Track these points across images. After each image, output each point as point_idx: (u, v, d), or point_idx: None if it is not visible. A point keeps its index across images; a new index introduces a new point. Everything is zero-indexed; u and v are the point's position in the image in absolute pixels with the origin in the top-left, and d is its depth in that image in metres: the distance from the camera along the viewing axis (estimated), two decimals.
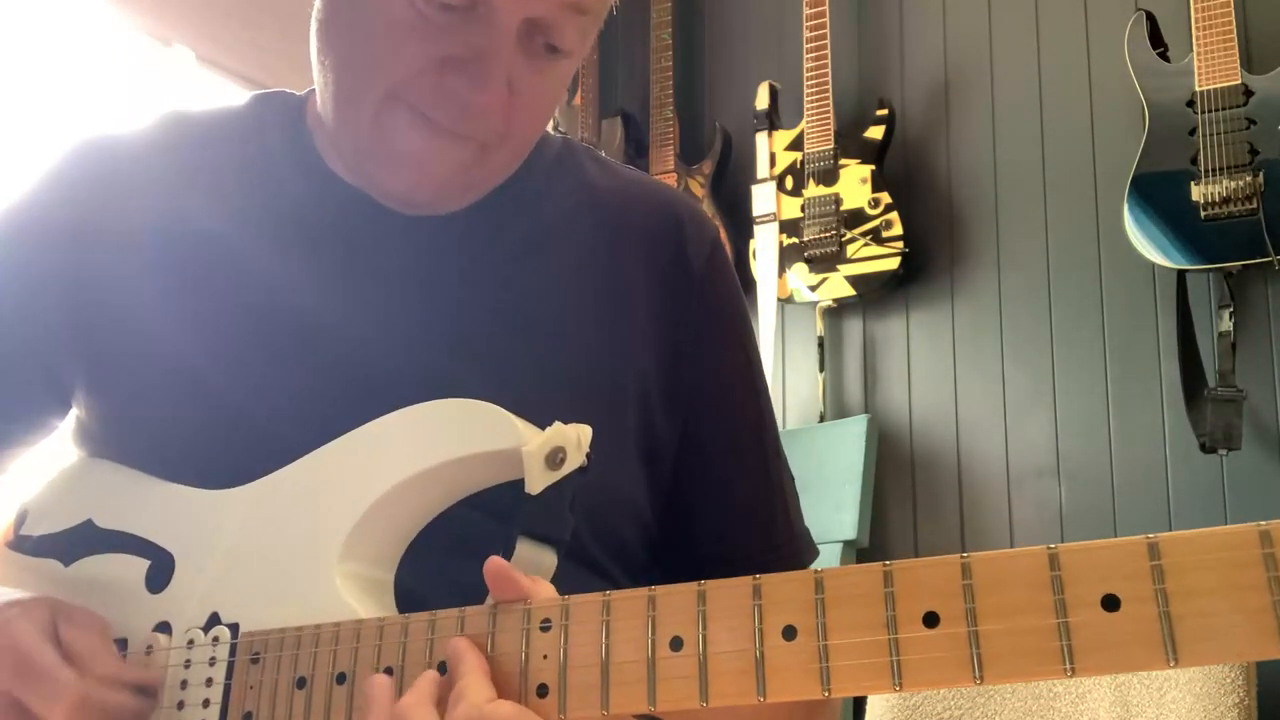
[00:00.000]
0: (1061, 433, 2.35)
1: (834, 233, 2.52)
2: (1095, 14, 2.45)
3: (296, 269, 0.83)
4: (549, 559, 0.68)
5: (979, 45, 2.59)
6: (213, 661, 0.70)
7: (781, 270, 2.58)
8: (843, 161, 2.56)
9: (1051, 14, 2.51)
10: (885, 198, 2.49)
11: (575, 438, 0.67)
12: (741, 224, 2.68)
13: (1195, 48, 2.17)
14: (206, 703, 0.69)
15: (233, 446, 0.78)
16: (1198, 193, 2.12)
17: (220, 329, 0.81)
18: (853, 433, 2.46)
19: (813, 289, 2.54)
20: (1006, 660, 0.47)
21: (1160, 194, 2.18)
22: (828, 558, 2.32)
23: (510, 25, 0.73)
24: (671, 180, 2.81)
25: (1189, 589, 0.45)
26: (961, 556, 0.49)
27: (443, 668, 0.61)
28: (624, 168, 0.95)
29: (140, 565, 0.76)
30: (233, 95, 0.94)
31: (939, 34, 2.65)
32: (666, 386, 0.85)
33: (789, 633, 0.52)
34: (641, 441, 0.84)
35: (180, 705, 0.70)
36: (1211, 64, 2.15)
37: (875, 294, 2.52)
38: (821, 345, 2.60)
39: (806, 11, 2.62)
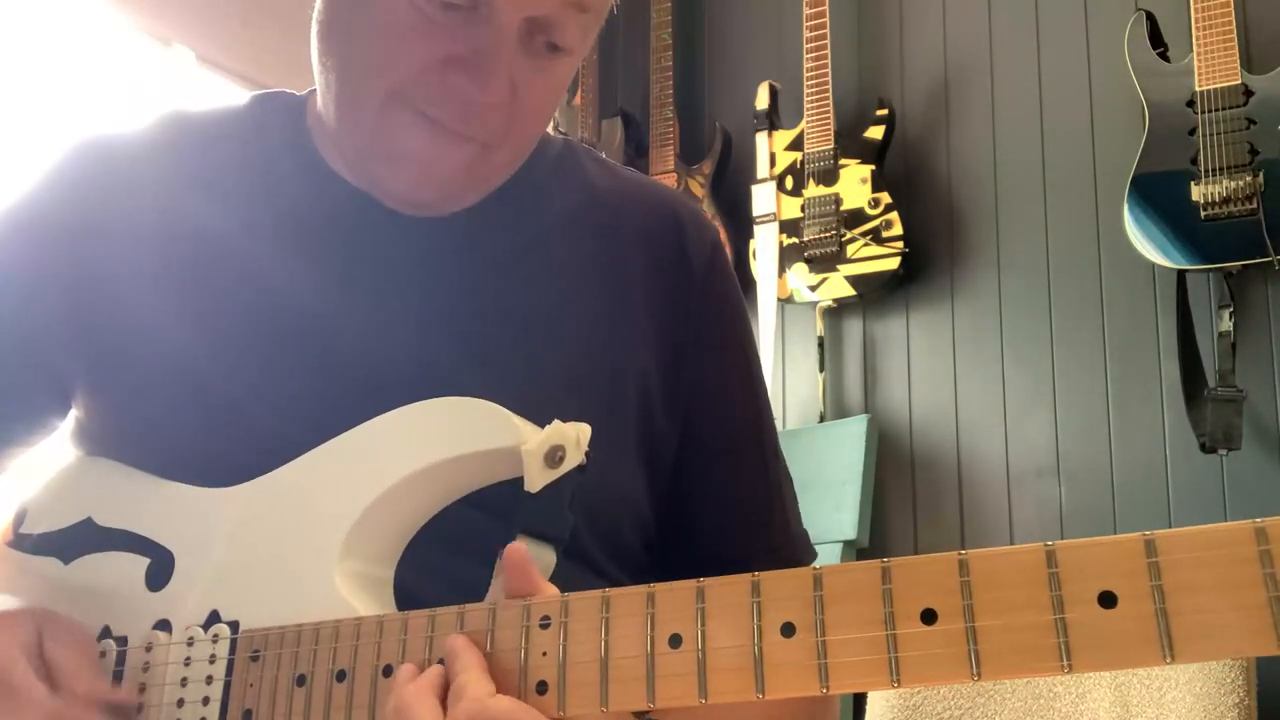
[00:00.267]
0: (1061, 433, 2.35)
1: (834, 233, 2.52)
2: (1095, 14, 2.45)
3: (296, 268, 0.83)
4: (548, 557, 0.68)
5: (979, 45, 2.59)
6: (213, 659, 0.70)
7: (781, 270, 2.58)
8: (843, 161, 2.56)
9: (1051, 14, 2.51)
10: (885, 198, 2.49)
11: (574, 436, 0.67)
12: (741, 224, 2.68)
13: (1195, 48, 2.18)
14: (207, 700, 0.69)
15: (232, 445, 0.78)
16: (1198, 193, 2.12)
17: (220, 328, 0.81)
18: (853, 433, 2.46)
19: (813, 289, 2.54)
20: (1004, 657, 0.47)
21: (1160, 194, 2.18)
22: (828, 558, 2.32)
23: (512, 24, 0.74)
24: (671, 180, 2.81)
25: (1185, 586, 0.45)
26: (959, 554, 0.49)
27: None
28: (624, 169, 0.95)
29: (140, 563, 0.76)
30: (233, 95, 0.94)
31: (939, 34, 2.65)
32: (666, 387, 0.86)
33: (787, 630, 0.52)
34: (641, 441, 0.84)
35: (180, 703, 0.70)
36: (1211, 64, 2.15)
37: (875, 294, 2.52)
38: (821, 345, 2.61)
39: (806, 11, 2.62)
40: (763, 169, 2.66)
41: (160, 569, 0.75)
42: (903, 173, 2.60)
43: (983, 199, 2.52)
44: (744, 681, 0.52)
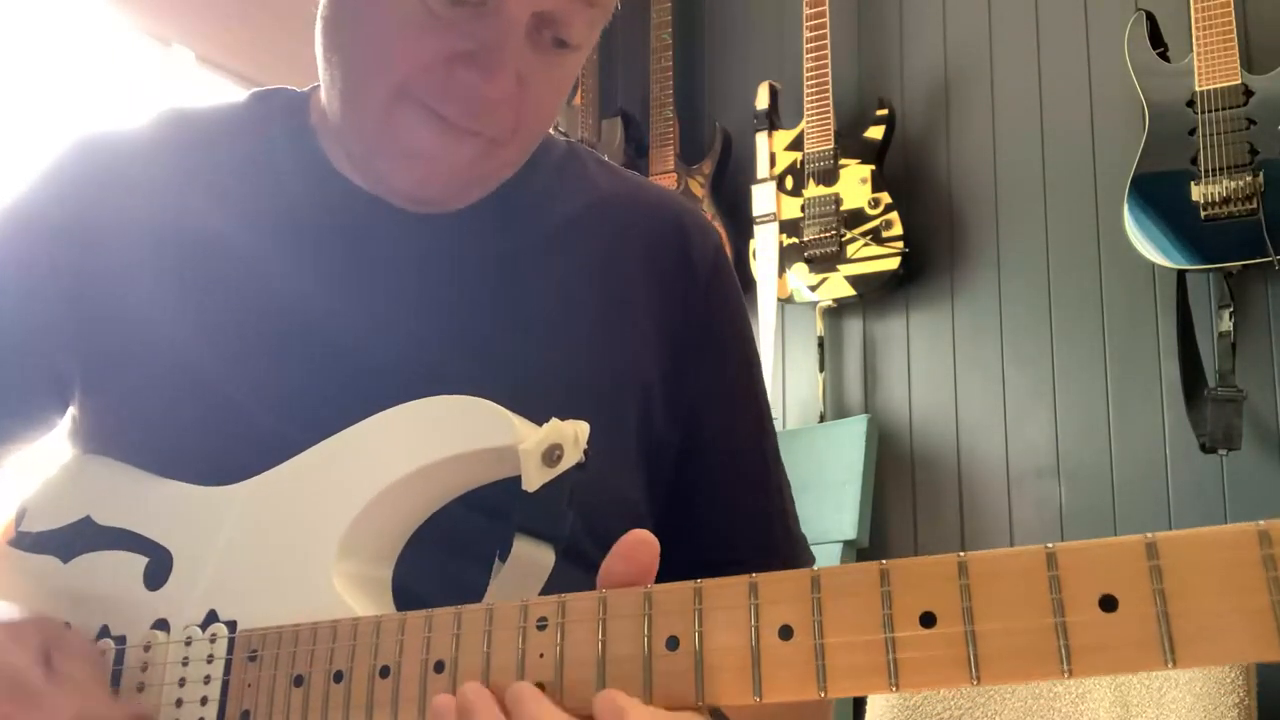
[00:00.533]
0: (1061, 433, 2.35)
1: (834, 233, 2.51)
2: (1095, 14, 2.45)
3: (296, 265, 0.82)
4: (547, 556, 0.68)
5: (979, 45, 2.59)
6: (210, 659, 0.69)
7: (781, 270, 2.58)
8: (843, 161, 2.56)
9: (1051, 14, 2.51)
10: (885, 198, 2.49)
11: (572, 434, 0.67)
12: (741, 224, 2.68)
13: (1195, 48, 2.17)
14: (204, 700, 0.69)
15: (231, 443, 0.78)
16: (1198, 193, 2.12)
17: (219, 326, 0.81)
18: (853, 433, 2.46)
19: (813, 289, 2.54)
20: (1003, 660, 0.47)
21: (1160, 194, 2.18)
22: (828, 558, 2.32)
23: (520, 19, 0.73)
24: (671, 180, 2.80)
25: (1187, 589, 0.44)
26: (958, 555, 0.49)
27: (439, 666, 0.60)
28: (628, 172, 0.95)
29: (138, 562, 0.76)
30: (233, 95, 0.94)
31: (939, 34, 2.65)
32: (668, 392, 0.86)
33: (785, 632, 0.51)
34: (641, 444, 0.84)
35: (178, 703, 0.70)
36: (1211, 64, 2.15)
37: (875, 294, 2.52)
38: (821, 345, 2.60)
39: (806, 11, 2.62)
40: (763, 169, 2.66)
41: (158, 568, 0.75)
42: (903, 173, 2.60)
43: (983, 199, 2.52)
44: (741, 683, 0.52)
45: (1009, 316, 2.45)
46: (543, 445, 0.66)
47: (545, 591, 0.65)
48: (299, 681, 0.65)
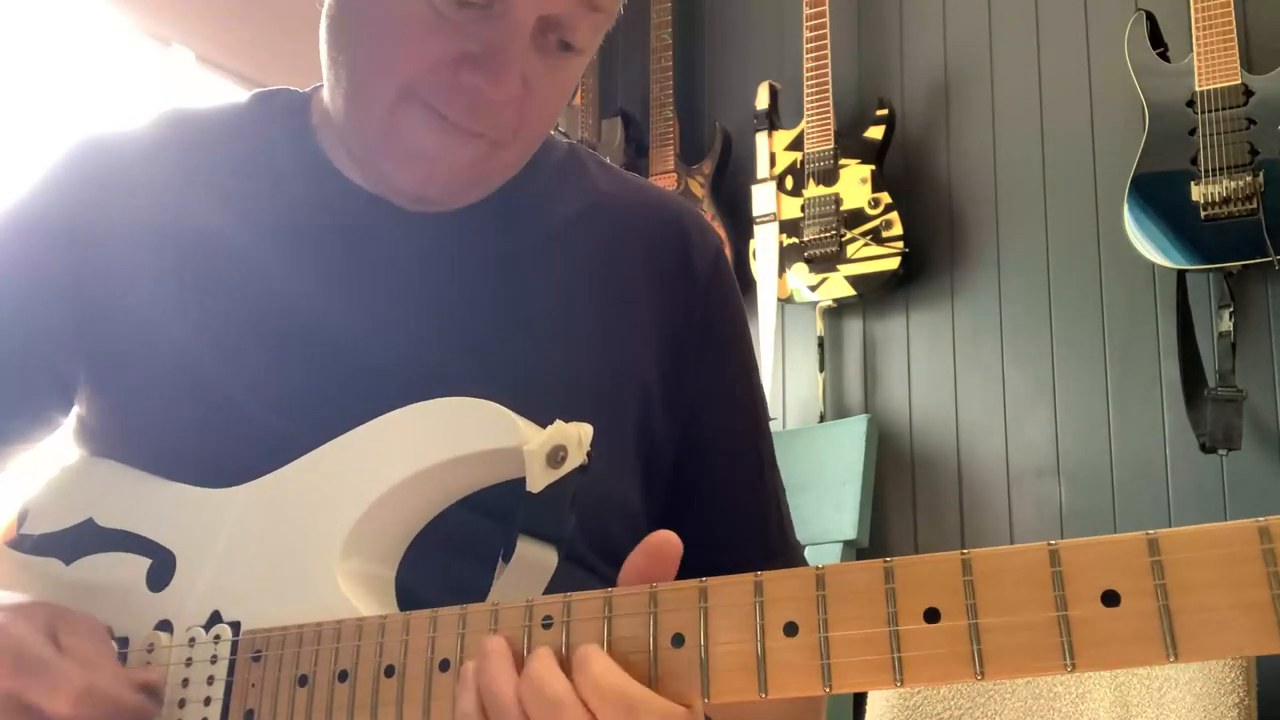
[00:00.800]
0: (1061, 433, 2.35)
1: (834, 233, 2.52)
2: (1095, 14, 2.45)
3: (297, 265, 0.83)
4: (550, 558, 0.68)
5: (979, 45, 2.59)
6: (214, 659, 0.70)
7: (781, 270, 2.58)
8: (843, 161, 2.56)
9: (1051, 14, 2.51)
10: (885, 198, 2.49)
11: (576, 436, 0.67)
12: (741, 224, 2.68)
13: (1195, 48, 2.18)
14: (208, 700, 0.69)
15: (234, 445, 0.78)
16: (1198, 193, 2.12)
17: (221, 326, 0.81)
18: (853, 433, 2.46)
19: (813, 289, 2.54)
20: (1007, 656, 0.47)
21: (1160, 194, 2.18)
22: (828, 557, 2.32)
23: (526, 22, 0.74)
24: (671, 180, 2.81)
25: (1188, 584, 0.45)
26: (962, 552, 0.49)
27: (444, 665, 0.61)
28: (629, 174, 0.96)
29: (141, 564, 0.76)
30: (233, 95, 0.94)
31: (939, 34, 2.65)
32: (666, 394, 0.86)
33: (790, 629, 0.52)
34: (639, 447, 0.84)
35: (182, 703, 0.70)
36: (1211, 64, 2.15)
37: (875, 294, 2.52)
38: (821, 345, 2.61)
39: (806, 11, 2.62)
40: (763, 169, 2.66)
41: (162, 569, 0.75)
42: (903, 173, 2.60)
43: (983, 199, 2.52)
44: (747, 681, 0.52)
45: (1009, 316, 2.45)
46: (547, 447, 0.66)
47: (546, 592, 0.65)
48: (303, 681, 0.65)
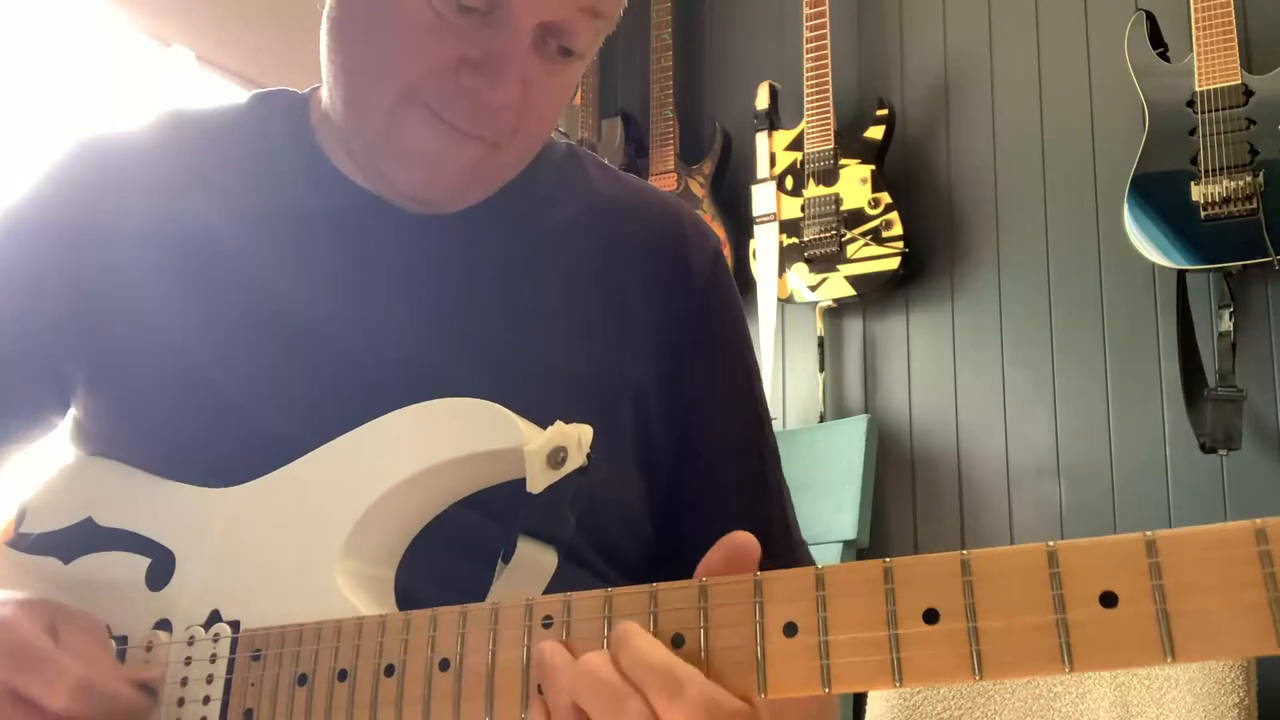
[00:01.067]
0: (1061, 433, 2.35)
1: (834, 233, 2.52)
2: (1095, 14, 2.45)
3: (297, 266, 0.83)
4: (550, 559, 0.68)
5: (979, 45, 2.59)
6: (213, 658, 0.70)
7: (781, 270, 2.58)
8: (843, 161, 2.56)
9: (1051, 14, 2.51)
10: (885, 198, 2.50)
11: (576, 437, 0.67)
12: (741, 224, 2.68)
13: (1195, 48, 2.18)
14: (207, 699, 0.69)
15: (233, 444, 0.78)
16: (1198, 193, 2.12)
17: (221, 326, 0.81)
18: (853, 433, 2.46)
19: (813, 289, 2.54)
20: (1006, 657, 0.47)
21: (1160, 194, 2.19)
22: (828, 557, 2.32)
23: (527, 27, 0.74)
24: (671, 180, 2.81)
25: (1186, 586, 0.45)
26: (961, 553, 0.49)
27: (444, 665, 0.61)
28: (628, 175, 0.96)
29: (140, 563, 0.76)
30: (233, 95, 0.94)
31: (939, 34, 2.65)
32: (665, 397, 0.86)
33: (790, 629, 0.52)
34: (638, 449, 0.85)
35: (181, 702, 0.70)
36: (1211, 64, 2.15)
37: (875, 294, 2.52)
38: (821, 345, 2.61)
39: (806, 11, 2.62)
40: (763, 169, 2.66)
41: (161, 569, 0.75)
42: (903, 173, 2.60)
43: (983, 199, 2.52)
44: (747, 681, 0.52)
45: (1009, 316, 2.45)
46: (547, 448, 0.66)
47: (545, 592, 0.65)
48: (303, 680, 0.65)
